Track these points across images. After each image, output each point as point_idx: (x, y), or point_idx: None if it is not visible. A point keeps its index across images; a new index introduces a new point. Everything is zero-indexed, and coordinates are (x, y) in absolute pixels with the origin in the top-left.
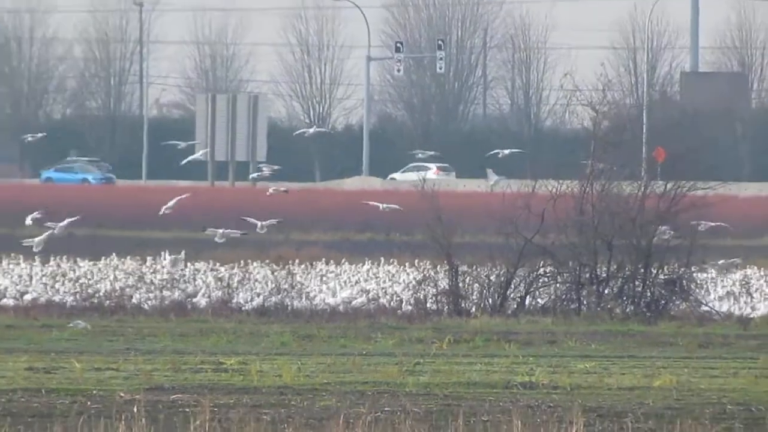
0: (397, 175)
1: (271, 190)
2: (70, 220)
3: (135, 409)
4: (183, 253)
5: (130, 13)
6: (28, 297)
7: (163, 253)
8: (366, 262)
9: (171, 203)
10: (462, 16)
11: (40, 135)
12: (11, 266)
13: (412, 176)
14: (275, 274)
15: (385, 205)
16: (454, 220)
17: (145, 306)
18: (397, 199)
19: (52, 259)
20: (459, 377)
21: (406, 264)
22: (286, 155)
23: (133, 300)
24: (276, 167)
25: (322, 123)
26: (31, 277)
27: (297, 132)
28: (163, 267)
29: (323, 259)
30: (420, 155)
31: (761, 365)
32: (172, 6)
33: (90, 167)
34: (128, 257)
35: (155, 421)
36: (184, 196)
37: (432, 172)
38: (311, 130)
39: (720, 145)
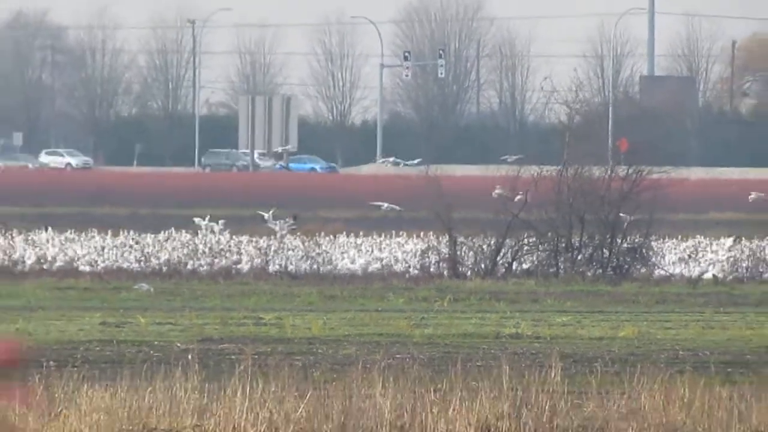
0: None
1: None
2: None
3: (189, 357)
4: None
5: (184, 29)
6: (101, 264)
7: (267, 214)
8: (381, 235)
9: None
10: (459, 30)
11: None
12: (88, 239)
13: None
14: (305, 244)
15: (386, 206)
16: (453, 199)
17: (200, 270)
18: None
19: (121, 233)
20: (457, 329)
21: (414, 236)
22: (314, 145)
23: (188, 266)
24: (292, 222)
25: (343, 119)
26: (103, 248)
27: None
28: (215, 234)
29: (344, 233)
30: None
31: (707, 318)
32: (219, 23)
33: (316, 158)
34: (183, 230)
35: (206, 366)
36: None
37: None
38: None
39: (672, 137)
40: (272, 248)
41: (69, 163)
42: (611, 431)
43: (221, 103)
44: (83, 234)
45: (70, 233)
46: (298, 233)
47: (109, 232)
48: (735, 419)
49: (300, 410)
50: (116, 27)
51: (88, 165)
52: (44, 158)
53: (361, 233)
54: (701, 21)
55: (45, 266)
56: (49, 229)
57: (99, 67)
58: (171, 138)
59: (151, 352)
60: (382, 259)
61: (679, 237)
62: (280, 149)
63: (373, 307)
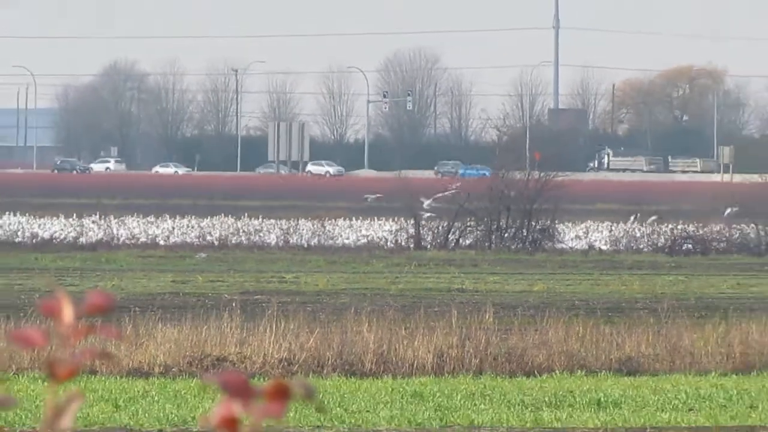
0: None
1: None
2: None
3: (233, 304)
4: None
5: (230, 75)
6: (172, 239)
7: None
8: (367, 219)
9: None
10: (422, 76)
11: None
12: (163, 221)
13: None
14: (314, 225)
15: (370, 197)
16: (417, 194)
17: (241, 243)
18: (385, 183)
19: (185, 217)
20: (420, 285)
21: (390, 220)
22: (321, 157)
23: (232, 241)
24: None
25: (341, 138)
26: (173, 228)
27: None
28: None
29: (343, 217)
30: None
31: (595, 278)
32: (255, 70)
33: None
34: (229, 215)
35: (245, 311)
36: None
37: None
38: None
39: (570, 151)
40: (291, 228)
41: (176, 171)
42: (528, 356)
43: (256, 127)
44: (160, 218)
45: (151, 218)
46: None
47: (177, 217)
48: (614, 347)
49: (310, 341)
50: (183, 73)
51: (190, 171)
52: (158, 168)
53: (352, 217)
54: (591, 70)
55: (133, 241)
56: (136, 214)
57: (170, 101)
58: (220, 151)
59: (206, 301)
60: (368, 236)
61: (575, 221)
62: (331, 171)
63: (361, 270)
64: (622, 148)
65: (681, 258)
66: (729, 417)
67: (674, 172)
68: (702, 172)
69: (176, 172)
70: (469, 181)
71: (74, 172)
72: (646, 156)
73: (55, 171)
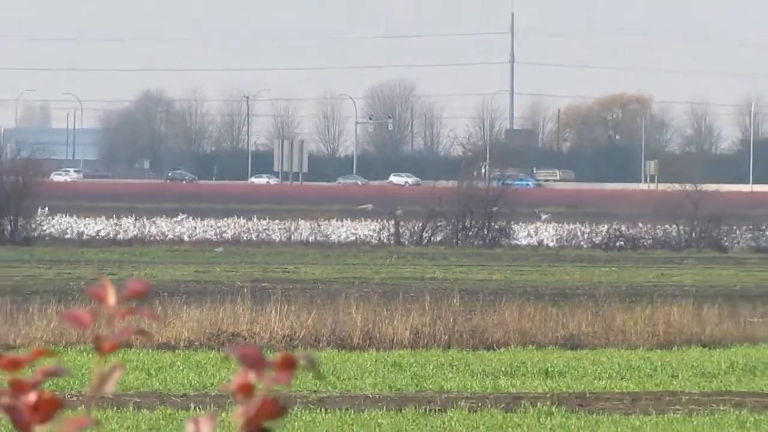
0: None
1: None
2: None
3: (245, 290)
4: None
5: (242, 100)
6: (195, 236)
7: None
8: (355, 220)
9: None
10: (401, 101)
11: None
12: (188, 221)
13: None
14: (312, 225)
15: (360, 207)
16: (397, 200)
17: (251, 240)
18: (371, 190)
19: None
20: (399, 275)
21: (374, 221)
22: (317, 169)
23: (244, 238)
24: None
25: (333, 153)
26: (195, 228)
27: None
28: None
29: (335, 219)
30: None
31: (543, 269)
32: (262, 97)
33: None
34: (241, 217)
35: (254, 296)
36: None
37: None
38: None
39: (524, 165)
40: (293, 226)
41: (268, 181)
42: (488, 333)
43: (264, 144)
44: (186, 218)
45: (179, 217)
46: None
47: (198, 218)
48: (559, 326)
49: (309, 320)
50: (203, 100)
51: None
52: (253, 179)
53: (344, 219)
54: (540, 97)
55: (162, 238)
56: (164, 215)
57: (193, 122)
58: (234, 164)
59: (222, 287)
60: (356, 234)
61: (528, 222)
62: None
63: (350, 262)
64: (565, 160)
65: (614, 253)
66: (654, 384)
67: (548, 181)
68: (560, 180)
69: (268, 182)
70: (438, 188)
71: (183, 182)
72: (561, 169)
73: (168, 181)
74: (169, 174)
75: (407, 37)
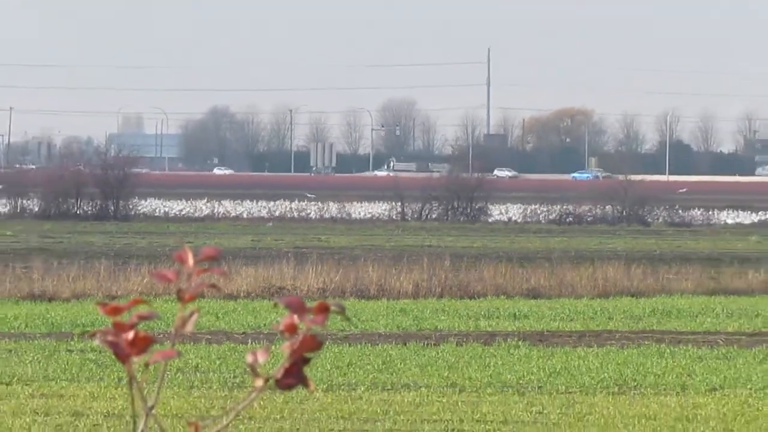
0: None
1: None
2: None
3: (288, 255)
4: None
5: (287, 113)
6: (251, 215)
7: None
8: (370, 202)
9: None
10: (405, 114)
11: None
12: (244, 203)
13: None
14: (338, 206)
15: (310, 195)
16: (403, 186)
17: (295, 217)
18: (381, 181)
19: (259, 201)
20: (403, 243)
21: (385, 202)
22: (343, 164)
23: (287, 215)
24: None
25: (355, 152)
26: (251, 210)
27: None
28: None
29: (356, 201)
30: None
31: (512, 238)
32: (302, 110)
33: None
34: (287, 200)
35: (296, 259)
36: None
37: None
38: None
39: (499, 160)
40: (324, 207)
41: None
42: (471, 287)
43: (303, 146)
44: (245, 201)
45: (238, 201)
46: (336, 201)
47: (254, 200)
48: (524, 281)
49: (336, 277)
50: (257, 112)
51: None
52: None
53: (362, 201)
54: (509, 110)
55: (226, 215)
56: (229, 199)
57: (249, 129)
58: (280, 161)
59: (272, 252)
60: (371, 213)
61: (501, 203)
62: (509, 174)
63: (367, 234)
64: (529, 158)
65: (565, 226)
66: (595, 324)
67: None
68: (417, 171)
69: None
70: (434, 178)
71: (323, 174)
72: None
73: (312, 174)
74: (314, 168)
75: (410, 66)
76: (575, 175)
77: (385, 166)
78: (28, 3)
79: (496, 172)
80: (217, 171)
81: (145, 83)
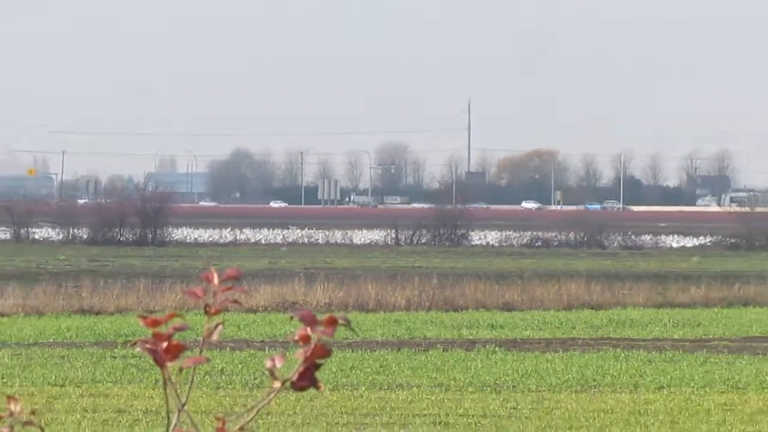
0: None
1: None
2: None
3: (300, 274)
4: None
5: (299, 154)
6: (269, 241)
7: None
8: (368, 229)
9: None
10: (399, 155)
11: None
12: (262, 231)
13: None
14: (342, 233)
15: (283, 249)
16: (396, 217)
17: (307, 243)
18: (375, 210)
19: (275, 229)
20: (397, 264)
21: (381, 230)
22: (344, 197)
23: (299, 241)
24: (286, 246)
25: (356, 188)
26: (268, 234)
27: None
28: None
29: (357, 229)
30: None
31: (491, 260)
32: (311, 151)
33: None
34: (296, 228)
35: (306, 278)
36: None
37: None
38: None
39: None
40: (330, 234)
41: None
42: (455, 301)
43: (312, 182)
44: (263, 229)
45: (252, 229)
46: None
47: (270, 228)
48: (500, 296)
49: (340, 293)
50: (272, 153)
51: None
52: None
53: (362, 229)
54: (486, 151)
55: (246, 241)
56: (248, 227)
57: (266, 168)
58: (292, 194)
59: (286, 272)
60: (370, 239)
61: (480, 230)
62: (534, 206)
63: (367, 256)
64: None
65: (535, 250)
66: (561, 333)
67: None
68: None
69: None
70: (423, 209)
71: (368, 206)
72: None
73: (353, 205)
74: (357, 201)
75: (403, 115)
76: (587, 205)
77: (347, 199)
78: (72, 67)
79: (524, 204)
80: (273, 204)
81: (178, 129)
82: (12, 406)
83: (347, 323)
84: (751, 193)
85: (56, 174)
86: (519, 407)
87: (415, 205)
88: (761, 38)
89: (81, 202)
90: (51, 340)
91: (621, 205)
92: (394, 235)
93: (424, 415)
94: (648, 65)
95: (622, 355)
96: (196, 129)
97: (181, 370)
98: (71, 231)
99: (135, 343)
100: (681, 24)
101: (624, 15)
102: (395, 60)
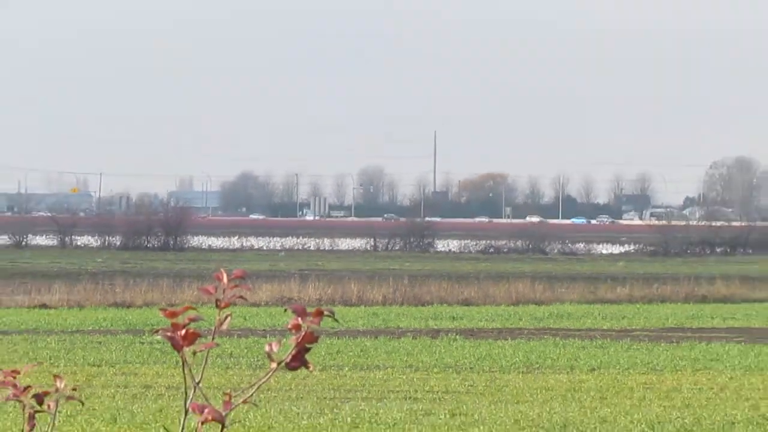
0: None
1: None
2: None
3: (295, 275)
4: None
5: (294, 176)
6: (270, 246)
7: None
8: (353, 238)
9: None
10: (377, 177)
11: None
12: (265, 239)
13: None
14: (329, 240)
15: (281, 254)
16: (378, 227)
17: (301, 249)
18: (358, 222)
19: (274, 238)
20: (376, 266)
21: (363, 238)
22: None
23: (294, 247)
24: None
25: (342, 204)
26: (269, 242)
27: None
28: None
29: (342, 237)
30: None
31: (452, 263)
32: (304, 175)
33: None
34: (291, 236)
35: (300, 278)
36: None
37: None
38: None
39: (443, 211)
40: (320, 241)
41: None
42: (424, 296)
43: (305, 199)
44: (265, 237)
45: (260, 238)
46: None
47: (270, 237)
48: (460, 293)
49: (328, 290)
50: (272, 175)
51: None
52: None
53: (346, 237)
54: (449, 174)
55: (251, 247)
56: (252, 235)
57: (267, 187)
58: (290, 209)
59: (283, 273)
60: (353, 245)
61: (444, 239)
62: (535, 219)
63: (350, 260)
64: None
65: (490, 255)
66: (509, 324)
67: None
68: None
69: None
70: (396, 222)
71: (391, 219)
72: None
73: (384, 219)
74: (385, 216)
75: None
76: (574, 220)
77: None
78: (106, 106)
79: (529, 218)
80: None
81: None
82: (58, 383)
83: (332, 314)
84: (668, 209)
85: (95, 192)
86: (475, 385)
87: (386, 215)
88: (668, 81)
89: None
90: (90, 329)
91: (611, 219)
92: (372, 243)
93: (397, 391)
94: (582, 102)
95: (560, 342)
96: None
97: (195, 353)
98: (107, 239)
99: (158, 331)
100: (605, 65)
101: (557, 57)
102: (375, 102)
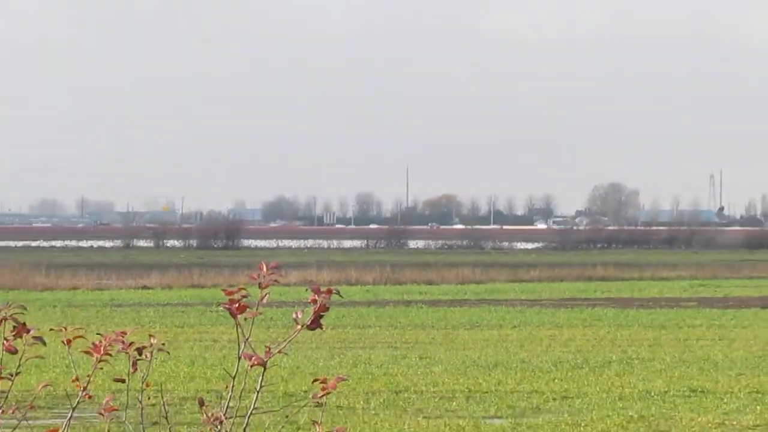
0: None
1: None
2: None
3: (315, 265)
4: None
5: (314, 198)
6: (297, 245)
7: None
8: (351, 240)
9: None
10: (363, 197)
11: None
12: (294, 240)
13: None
14: (336, 242)
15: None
16: (371, 233)
17: (316, 248)
18: (354, 229)
19: (300, 239)
20: (368, 259)
21: (359, 240)
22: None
23: (315, 246)
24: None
25: (345, 215)
26: (297, 242)
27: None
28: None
29: (344, 240)
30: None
31: (425, 258)
32: (320, 196)
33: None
34: (310, 240)
35: (318, 267)
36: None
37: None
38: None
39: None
40: (329, 242)
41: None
42: (400, 279)
43: (320, 214)
44: (291, 240)
45: (287, 239)
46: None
47: (295, 240)
48: (426, 276)
49: (336, 275)
50: (296, 197)
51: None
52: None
53: (345, 240)
54: (418, 195)
55: (285, 247)
56: (282, 239)
57: (294, 205)
58: (309, 220)
59: (306, 263)
60: (351, 245)
61: (414, 240)
62: (545, 226)
63: (352, 255)
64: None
65: (444, 250)
66: (458, 297)
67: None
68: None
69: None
70: (381, 229)
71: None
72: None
73: (373, 227)
74: (429, 224)
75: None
76: (538, 225)
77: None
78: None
79: (538, 225)
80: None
81: (246, 182)
82: (152, 340)
83: (338, 292)
84: (565, 218)
85: (179, 210)
86: (436, 338)
87: (374, 224)
88: (568, 124)
89: (191, 226)
90: (176, 302)
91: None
92: (366, 243)
93: (383, 343)
94: (504, 141)
95: (493, 309)
96: (255, 182)
97: (246, 319)
98: (187, 242)
99: (221, 305)
100: (523, 123)
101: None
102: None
